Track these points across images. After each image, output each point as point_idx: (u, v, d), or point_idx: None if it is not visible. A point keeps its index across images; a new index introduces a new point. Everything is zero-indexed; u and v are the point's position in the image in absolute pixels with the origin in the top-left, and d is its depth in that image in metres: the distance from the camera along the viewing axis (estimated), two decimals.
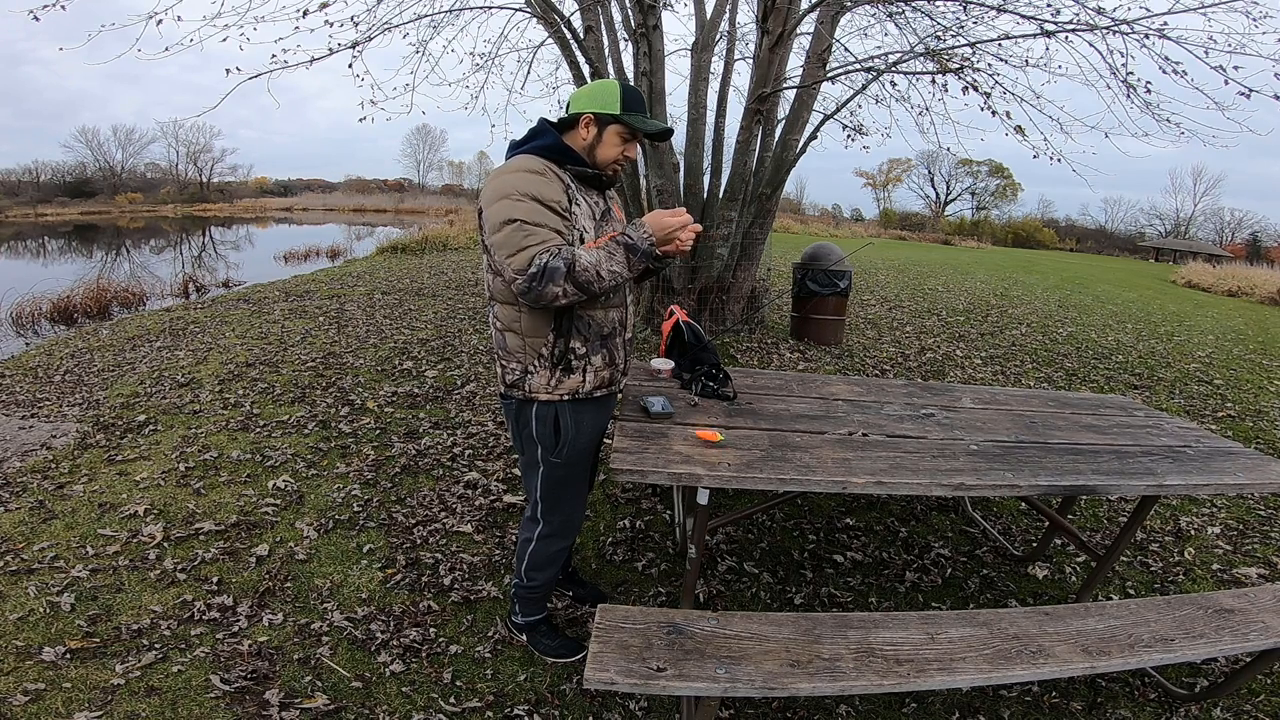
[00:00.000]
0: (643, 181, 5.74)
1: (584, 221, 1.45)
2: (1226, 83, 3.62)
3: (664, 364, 2.24)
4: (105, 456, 3.00)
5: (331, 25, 4.40)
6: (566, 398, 1.51)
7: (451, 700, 1.67)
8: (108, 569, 2.12)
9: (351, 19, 4.57)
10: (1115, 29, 3.82)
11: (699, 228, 1.51)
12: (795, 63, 5.65)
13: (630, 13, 5.37)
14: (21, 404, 3.79)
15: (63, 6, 3.78)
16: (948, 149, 5.43)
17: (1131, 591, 2.35)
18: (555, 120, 1.54)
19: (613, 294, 1.51)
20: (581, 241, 1.42)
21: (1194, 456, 1.88)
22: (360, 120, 4.75)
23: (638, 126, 1.49)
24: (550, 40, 5.44)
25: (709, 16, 5.63)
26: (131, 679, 1.66)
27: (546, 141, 1.46)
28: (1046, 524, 2.43)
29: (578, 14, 5.14)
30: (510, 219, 1.35)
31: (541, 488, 1.65)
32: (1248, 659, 1.75)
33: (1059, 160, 4.53)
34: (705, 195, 5.54)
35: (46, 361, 4.81)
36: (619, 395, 1.71)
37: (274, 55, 4.25)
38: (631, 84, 1.91)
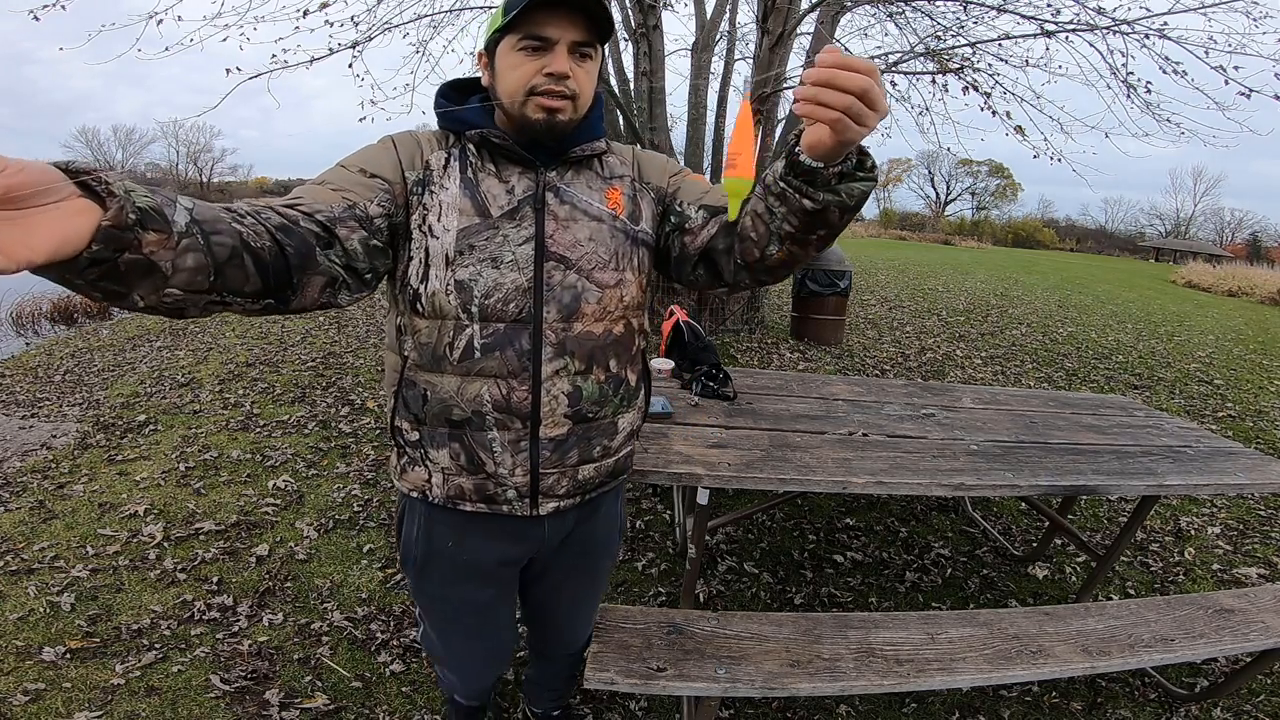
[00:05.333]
0: None
1: (449, 216, 0.87)
2: (1226, 83, 3.63)
3: (664, 364, 2.24)
4: (105, 456, 3.00)
5: (331, 25, 4.40)
6: (415, 494, 1.00)
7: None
8: (108, 569, 2.12)
9: (351, 19, 4.58)
10: (1115, 29, 3.82)
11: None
12: (795, 63, 5.65)
13: (630, 13, 5.36)
14: (22, 404, 3.79)
15: (63, 6, 3.78)
16: (948, 149, 5.44)
17: (1131, 591, 2.35)
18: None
19: (464, 346, 0.88)
20: (425, 257, 0.87)
21: (1194, 456, 1.88)
22: (360, 120, 4.75)
23: (516, 9, 0.81)
24: None
25: (709, 16, 5.64)
26: (131, 679, 1.66)
27: (436, 109, 0.95)
28: (1046, 524, 2.43)
29: None
30: None
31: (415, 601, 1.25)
32: (1248, 659, 1.75)
33: (1059, 160, 4.54)
34: None
35: (47, 361, 4.81)
36: (545, 517, 1.01)
37: (274, 55, 4.26)
38: None
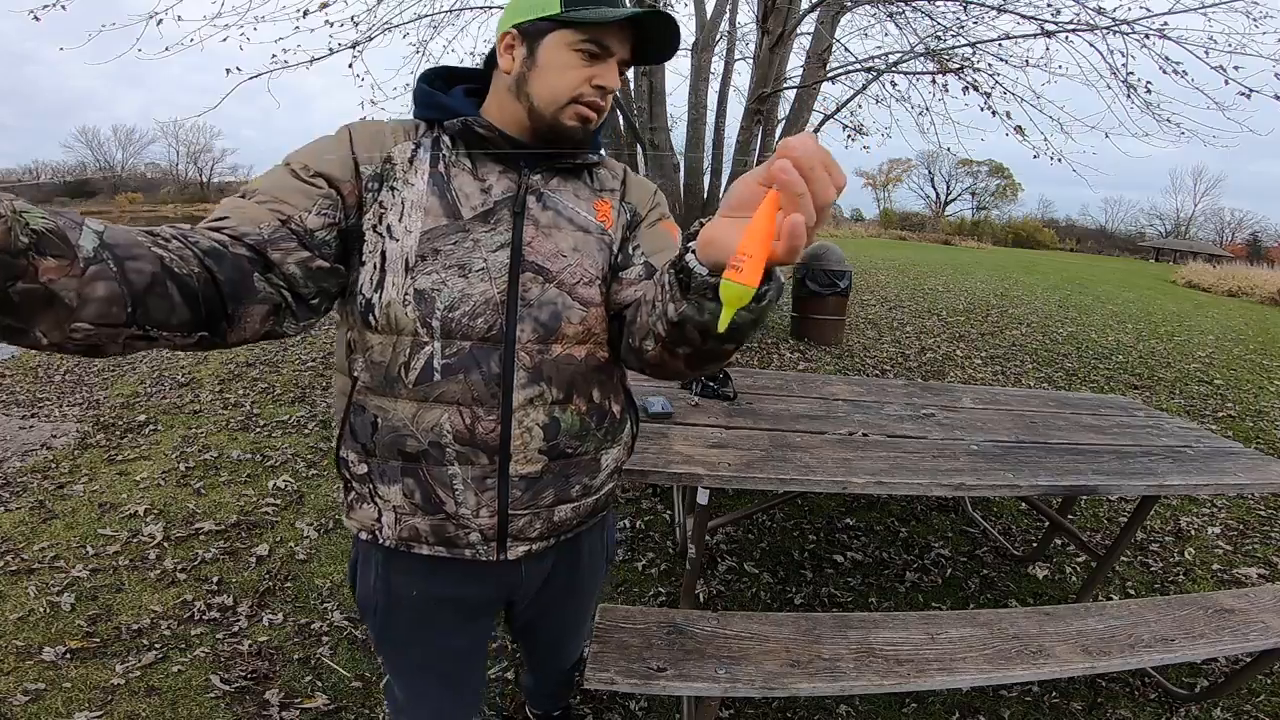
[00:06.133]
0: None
1: (412, 216, 0.77)
2: (1226, 83, 3.63)
3: None
4: (105, 456, 3.00)
5: (331, 25, 4.40)
6: (364, 535, 0.87)
7: None
8: (108, 569, 2.12)
9: (352, 19, 4.57)
10: (1115, 29, 3.82)
11: None
12: (795, 63, 5.66)
13: None
14: (22, 404, 3.79)
15: (63, 6, 3.78)
16: (948, 149, 5.44)
17: (1131, 591, 2.35)
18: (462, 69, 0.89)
19: (422, 367, 0.77)
20: (381, 262, 0.76)
21: (1194, 456, 1.88)
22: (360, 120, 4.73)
23: (595, 20, 0.74)
24: None
25: (709, 16, 5.63)
26: (131, 679, 1.66)
27: (415, 92, 0.84)
28: (1046, 524, 2.43)
29: None
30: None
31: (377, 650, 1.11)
32: (1248, 659, 1.75)
33: (1059, 160, 4.54)
34: (705, 195, 5.54)
35: (47, 361, 4.81)
36: (513, 561, 0.88)
37: (274, 55, 4.26)
38: None
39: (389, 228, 0.76)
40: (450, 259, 0.77)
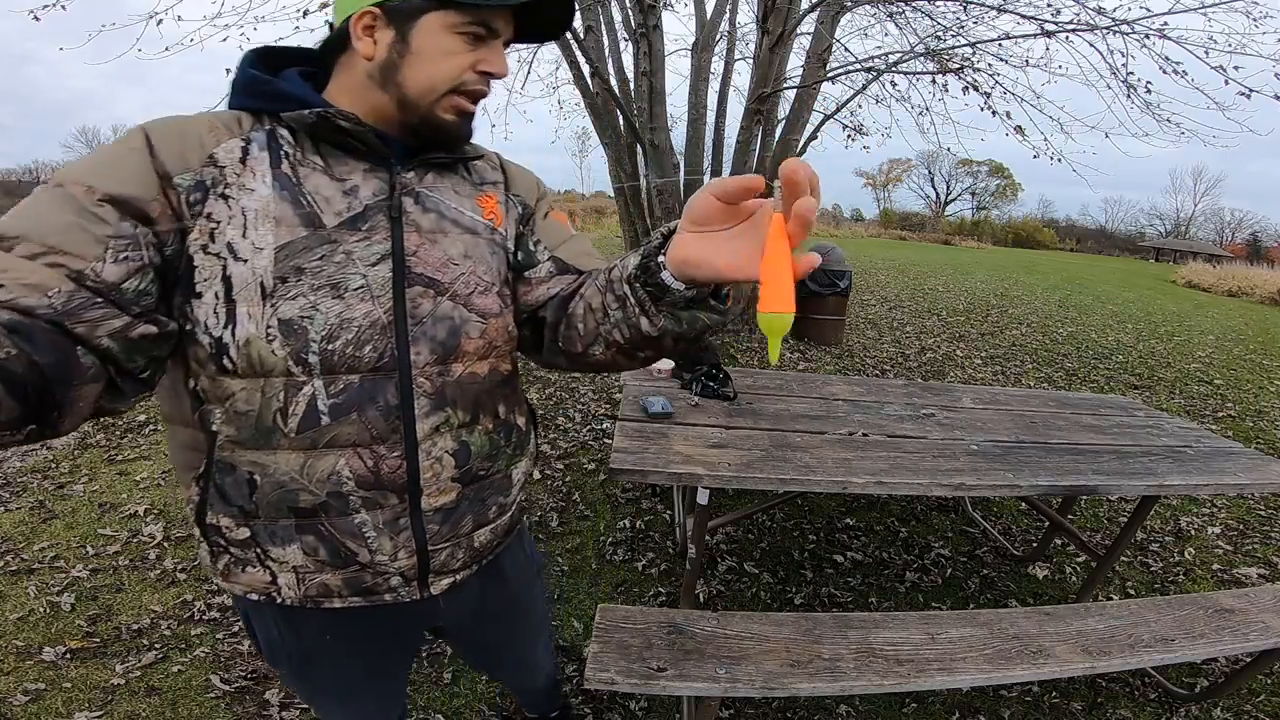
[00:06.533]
0: (643, 181, 5.75)
1: (259, 228, 0.63)
2: (1226, 83, 3.63)
3: (664, 364, 2.24)
4: (105, 456, 3.00)
5: (332, 26, 4.40)
6: (257, 598, 0.76)
7: (451, 700, 1.67)
8: (108, 569, 2.12)
9: None
10: (1115, 29, 3.82)
11: None
12: (795, 63, 5.66)
13: (630, 13, 5.36)
14: None
15: (63, 6, 3.78)
16: (948, 149, 5.44)
17: (1131, 591, 2.35)
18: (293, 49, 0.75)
19: (305, 412, 0.66)
20: (226, 291, 0.62)
21: (1194, 456, 1.88)
22: None
23: (486, 1, 0.65)
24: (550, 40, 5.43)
25: (709, 16, 5.63)
26: (131, 679, 1.66)
27: (237, 78, 0.69)
28: (1046, 524, 2.43)
29: (578, 14, 5.14)
30: None
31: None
32: (1248, 659, 1.75)
33: (1059, 160, 4.54)
34: None
35: None
36: (442, 592, 0.83)
37: None
38: None
39: (230, 246, 0.62)
40: (319, 278, 0.64)
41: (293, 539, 0.70)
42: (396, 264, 0.68)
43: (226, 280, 0.62)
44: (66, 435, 0.55)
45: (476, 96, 0.69)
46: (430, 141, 0.71)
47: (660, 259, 0.58)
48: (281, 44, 0.73)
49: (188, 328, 0.63)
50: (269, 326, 0.63)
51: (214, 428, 0.66)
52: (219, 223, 0.62)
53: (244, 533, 0.70)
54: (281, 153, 0.65)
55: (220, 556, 0.73)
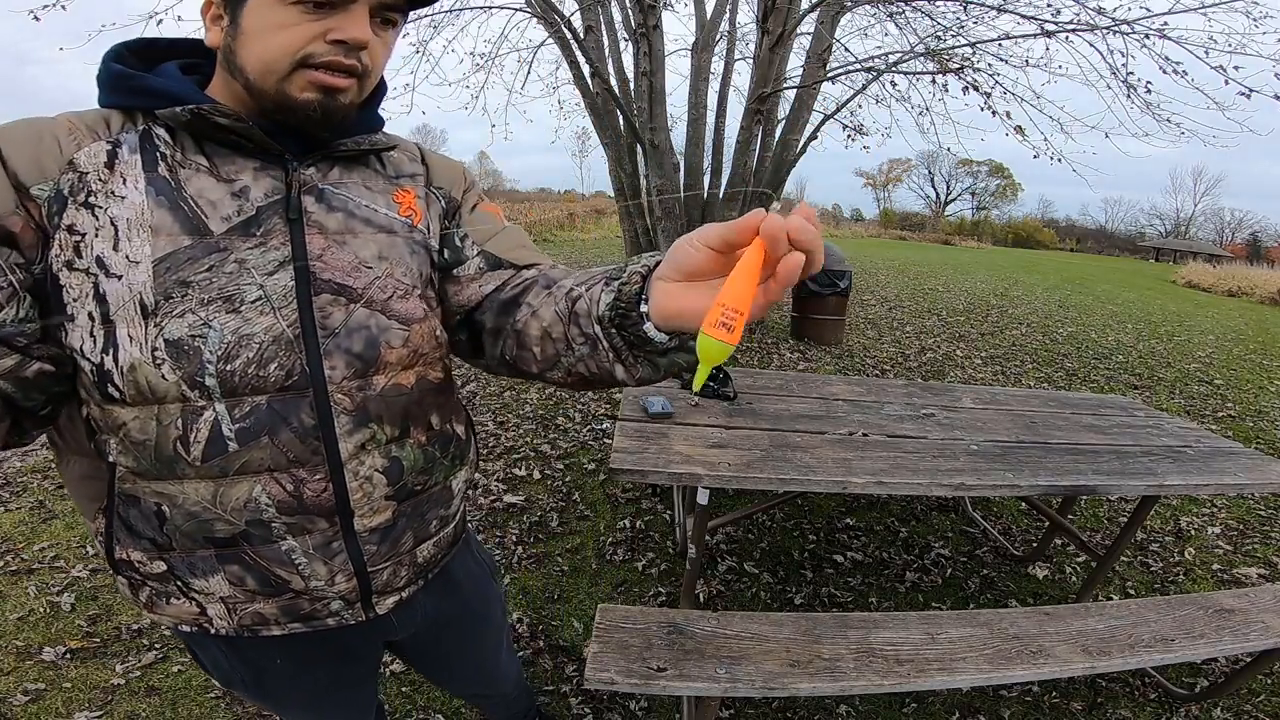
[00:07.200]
0: (643, 181, 5.75)
1: (133, 239, 0.56)
2: (1226, 83, 3.63)
3: None
4: None
5: None
6: (188, 629, 0.72)
7: (451, 700, 1.67)
8: (108, 569, 2.12)
9: None
10: (1115, 29, 3.82)
11: None
12: (795, 63, 5.66)
13: (630, 13, 5.36)
14: None
15: (63, 6, 3.78)
16: (948, 149, 5.44)
17: (1131, 591, 2.35)
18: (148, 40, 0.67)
19: (208, 438, 0.60)
20: (102, 311, 0.56)
21: (1194, 456, 1.88)
22: None
23: None
24: (550, 40, 5.44)
25: (709, 16, 5.64)
26: (131, 679, 1.66)
27: (100, 73, 0.62)
28: (1046, 524, 2.43)
29: (578, 14, 5.14)
30: None
31: None
32: (1248, 659, 1.75)
33: (1059, 160, 4.54)
34: (705, 195, 5.54)
35: None
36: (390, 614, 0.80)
37: None
38: None
39: (100, 260, 0.55)
40: (208, 291, 0.58)
41: (214, 570, 0.65)
42: (299, 271, 0.62)
43: (100, 298, 0.55)
44: None
45: (336, 68, 0.58)
46: (303, 128, 0.62)
47: (643, 308, 0.53)
48: (152, 38, 0.66)
49: (67, 353, 0.57)
50: (155, 349, 0.57)
51: (110, 459, 0.61)
52: (82, 235, 0.55)
53: (160, 566, 0.65)
54: (158, 154, 0.59)
55: (140, 589, 0.68)
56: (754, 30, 5.66)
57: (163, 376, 0.57)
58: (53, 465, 2.87)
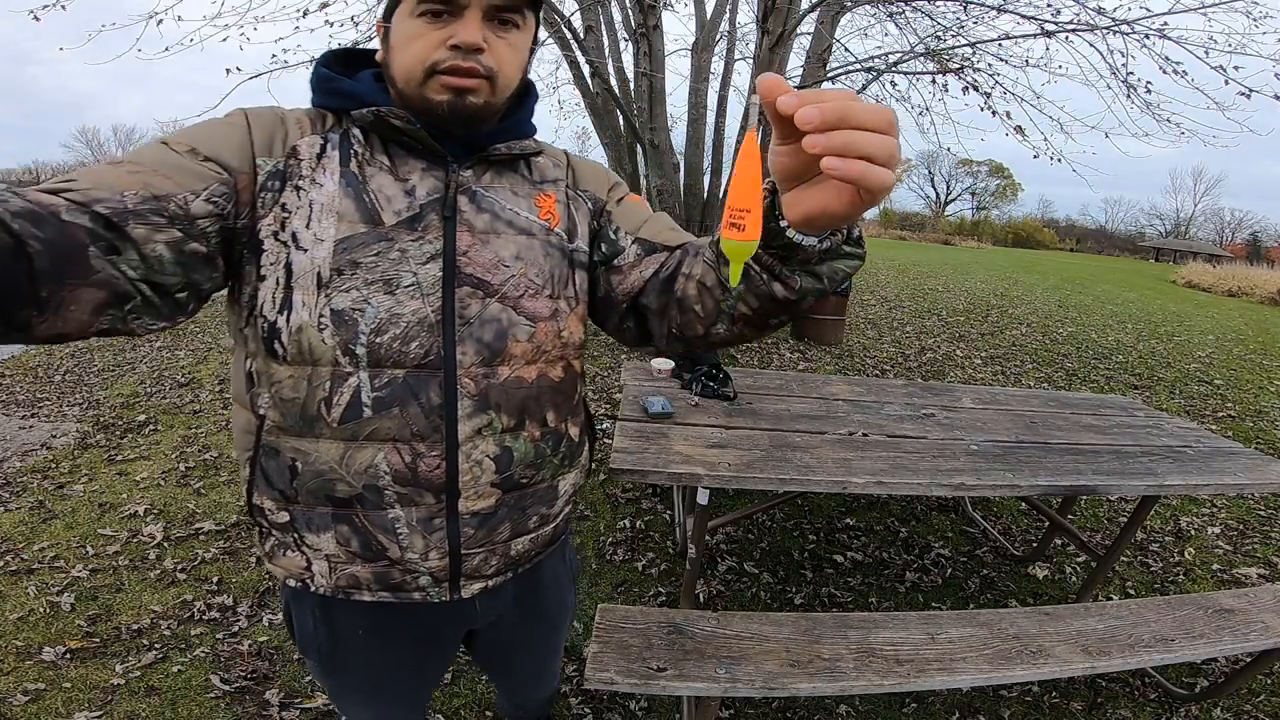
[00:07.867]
0: (643, 181, 5.75)
1: (323, 221, 0.65)
2: (1226, 83, 3.63)
3: (664, 364, 2.24)
4: (105, 456, 3.00)
5: (331, 25, 4.40)
6: (293, 583, 0.78)
7: (451, 700, 1.67)
8: (108, 569, 2.12)
9: (352, 19, 4.57)
10: (1115, 29, 3.82)
11: None
12: (795, 63, 5.65)
13: (630, 13, 5.37)
14: (22, 404, 3.78)
15: (63, 6, 3.78)
16: (948, 149, 5.45)
17: (1131, 591, 2.35)
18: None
19: (349, 403, 0.67)
20: (286, 278, 0.65)
21: (1194, 456, 1.88)
22: None
23: None
24: (550, 40, 5.44)
25: (709, 16, 5.64)
26: (131, 679, 1.66)
27: (311, 76, 0.73)
28: (1046, 524, 2.43)
29: (578, 14, 5.14)
30: None
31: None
32: (1248, 659, 1.75)
33: (1059, 160, 4.55)
34: (705, 195, 5.54)
35: (47, 361, 4.81)
36: (471, 602, 0.82)
37: (274, 55, 4.25)
38: None
39: (294, 235, 0.64)
40: (373, 273, 0.66)
41: (327, 527, 0.71)
42: (447, 264, 0.69)
43: (288, 267, 0.65)
44: (41, 343, 0.53)
45: (458, 71, 0.64)
46: (451, 130, 0.69)
47: (782, 221, 0.53)
48: (356, 47, 0.76)
49: (247, 308, 0.67)
50: (321, 315, 0.65)
51: (261, 412, 0.69)
52: (290, 213, 0.65)
53: (284, 516, 0.72)
54: (351, 151, 0.68)
55: (266, 538, 0.76)
56: (754, 30, 5.65)
57: (323, 340, 0.65)
58: (52, 465, 2.87)
